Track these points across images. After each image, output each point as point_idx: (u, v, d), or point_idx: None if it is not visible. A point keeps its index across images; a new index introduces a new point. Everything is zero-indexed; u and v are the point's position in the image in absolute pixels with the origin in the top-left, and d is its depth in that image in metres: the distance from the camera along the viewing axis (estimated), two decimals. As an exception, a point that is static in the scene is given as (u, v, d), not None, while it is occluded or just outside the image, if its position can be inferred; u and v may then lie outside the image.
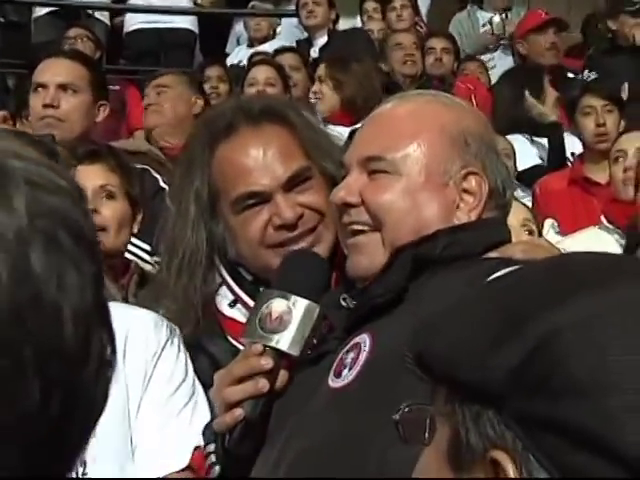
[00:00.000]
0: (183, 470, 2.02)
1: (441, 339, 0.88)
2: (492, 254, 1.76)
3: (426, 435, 0.93)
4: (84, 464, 1.95)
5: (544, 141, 5.81)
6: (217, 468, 1.81)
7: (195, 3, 8.66)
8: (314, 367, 1.77)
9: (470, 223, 1.79)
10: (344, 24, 8.01)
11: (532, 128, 5.91)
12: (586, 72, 6.47)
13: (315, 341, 1.81)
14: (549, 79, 6.31)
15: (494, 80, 7.61)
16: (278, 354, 1.79)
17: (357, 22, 8.10)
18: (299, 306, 1.81)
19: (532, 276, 0.89)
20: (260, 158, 2.12)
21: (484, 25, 8.27)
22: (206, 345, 2.16)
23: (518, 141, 5.47)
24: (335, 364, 1.71)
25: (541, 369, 0.80)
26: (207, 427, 1.87)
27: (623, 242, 3.81)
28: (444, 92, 7.29)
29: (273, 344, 1.79)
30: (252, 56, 7.48)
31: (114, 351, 0.80)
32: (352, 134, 4.98)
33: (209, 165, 2.17)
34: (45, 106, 3.72)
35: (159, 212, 3.39)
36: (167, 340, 2.14)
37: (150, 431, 2.08)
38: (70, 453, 0.76)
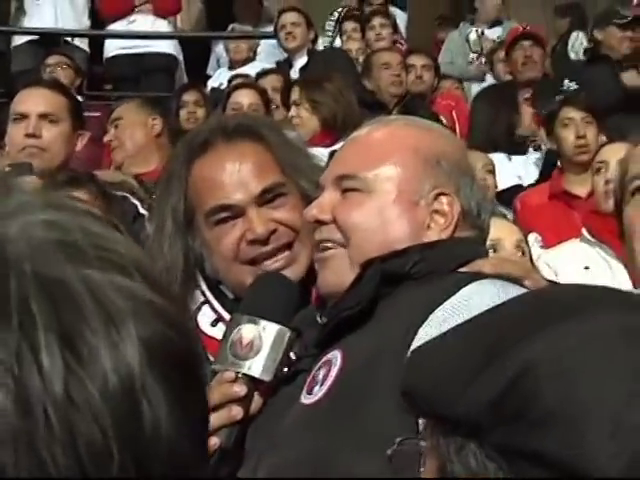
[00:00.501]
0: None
1: (423, 373, 0.89)
2: (462, 270, 1.76)
3: (420, 469, 0.94)
4: None
5: (521, 159, 5.84)
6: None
7: (175, 27, 8.69)
8: (288, 386, 1.78)
9: (442, 241, 1.79)
10: (323, 42, 8.04)
11: (509, 146, 5.94)
12: (566, 82, 6.49)
13: (288, 364, 1.80)
14: (527, 95, 6.33)
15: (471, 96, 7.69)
16: (251, 380, 1.78)
17: (336, 41, 8.13)
18: (269, 331, 1.80)
19: (510, 310, 0.91)
20: (234, 173, 2.12)
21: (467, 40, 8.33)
22: None
23: (496, 160, 5.50)
24: (308, 381, 1.72)
25: (517, 402, 0.81)
26: None
27: (605, 254, 3.81)
28: (424, 108, 7.32)
29: (245, 371, 1.79)
30: (232, 78, 7.50)
31: None
32: (332, 154, 5.00)
33: (186, 181, 2.17)
34: (27, 136, 3.72)
35: (138, 238, 3.42)
36: None
37: None
38: None
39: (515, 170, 5.84)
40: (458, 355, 0.87)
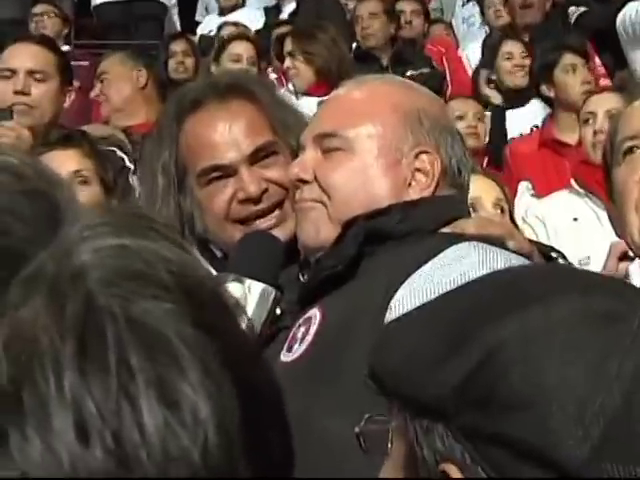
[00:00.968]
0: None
1: (390, 355, 0.90)
2: (445, 229, 1.77)
3: (388, 447, 0.94)
4: None
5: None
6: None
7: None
8: (271, 343, 1.78)
9: (425, 199, 1.80)
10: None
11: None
12: (572, 8, 6.42)
13: (273, 322, 1.81)
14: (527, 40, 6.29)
15: (469, 40, 7.62)
16: None
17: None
18: (254, 290, 1.81)
19: (478, 291, 0.91)
20: (226, 132, 2.12)
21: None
22: None
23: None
24: (288, 339, 1.73)
25: (484, 385, 0.81)
26: None
27: (593, 205, 3.82)
28: (415, 54, 7.24)
29: None
30: (222, 25, 7.45)
31: None
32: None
33: (177, 139, 2.17)
34: (16, 93, 3.70)
35: (125, 190, 3.43)
36: None
37: None
38: None
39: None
40: (425, 338, 0.87)
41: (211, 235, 2.17)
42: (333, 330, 1.66)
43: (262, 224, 2.09)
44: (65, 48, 7.01)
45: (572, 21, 6.57)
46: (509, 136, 5.64)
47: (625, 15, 5.82)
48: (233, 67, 5.81)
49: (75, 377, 0.58)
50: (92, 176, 3.10)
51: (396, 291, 1.61)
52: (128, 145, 4.32)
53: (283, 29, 6.72)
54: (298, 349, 1.70)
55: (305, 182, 1.86)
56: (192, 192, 2.15)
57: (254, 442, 0.63)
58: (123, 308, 0.60)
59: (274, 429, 0.67)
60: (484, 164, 5.24)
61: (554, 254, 1.86)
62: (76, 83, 6.37)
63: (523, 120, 5.72)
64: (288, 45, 5.68)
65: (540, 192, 4.57)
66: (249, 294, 1.81)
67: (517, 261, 1.66)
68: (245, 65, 5.82)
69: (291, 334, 1.73)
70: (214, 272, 2.15)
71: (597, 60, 6.01)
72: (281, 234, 2.05)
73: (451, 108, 5.11)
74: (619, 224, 2.02)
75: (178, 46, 6.78)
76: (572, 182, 4.02)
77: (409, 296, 1.57)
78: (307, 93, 5.57)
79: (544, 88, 5.26)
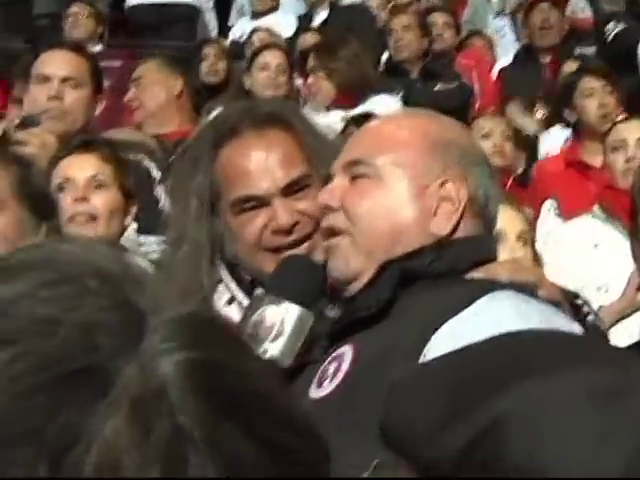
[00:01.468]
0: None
1: (397, 415, 0.93)
2: (478, 273, 1.78)
3: None
4: None
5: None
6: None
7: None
8: (299, 375, 1.80)
9: (457, 239, 1.82)
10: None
11: None
12: (611, 24, 6.35)
13: (305, 349, 1.83)
14: (548, 61, 6.31)
15: (501, 53, 7.63)
16: None
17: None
18: (292, 314, 1.83)
19: (487, 355, 0.94)
20: (261, 162, 2.16)
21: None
22: None
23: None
24: (318, 374, 1.75)
25: (485, 454, 0.84)
26: None
27: (615, 232, 3.83)
28: (444, 67, 7.26)
29: (261, 353, 1.80)
30: (254, 31, 7.50)
31: None
32: (348, 122, 5.07)
33: (212, 165, 2.21)
34: (50, 98, 3.75)
35: (149, 200, 3.48)
36: None
37: None
38: None
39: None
40: (431, 401, 0.89)
41: (241, 261, 2.20)
42: (364, 371, 1.67)
43: (291, 253, 2.12)
44: (98, 48, 7.09)
45: (610, 38, 6.53)
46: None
47: None
48: (261, 75, 5.87)
49: None
50: (110, 181, 3.11)
51: (430, 338, 1.62)
52: (159, 152, 4.37)
53: (310, 39, 6.79)
54: (328, 386, 1.71)
55: (332, 209, 1.88)
56: (224, 217, 2.19)
57: None
58: (204, 431, 0.61)
59: None
60: (508, 184, 5.27)
61: (579, 301, 1.88)
62: (108, 83, 6.47)
63: (552, 141, 5.76)
64: (310, 62, 5.75)
65: (565, 211, 4.59)
66: (287, 317, 1.83)
67: (548, 311, 1.68)
68: (273, 74, 5.87)
69: (321, 369, 1.74)
70: (240, 294, 2.21)
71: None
72: None
73: (477, 126, 5.14)
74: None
75: (211, 49, 6.85)
76: (595, 207, 4.04)
77: (443, 344, 1.58)
78: (330, 106, 5.64)
79: (567, 112, 5.32)
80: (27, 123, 3.54)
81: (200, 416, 0.62)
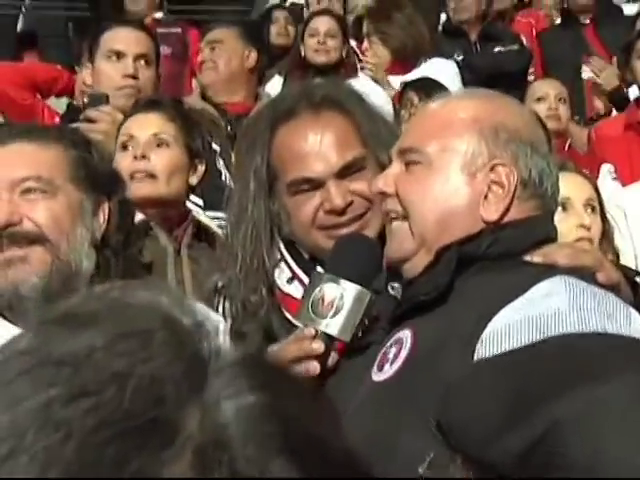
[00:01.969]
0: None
1: (458, 415, 0.98)
2: (536, 257, 1.81)
3: None
4: None
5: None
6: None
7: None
8: (361, 356, 1.86)
9: (514, 221, 1.86)
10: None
11: None
12: None
13: (365, 326, 1.89)
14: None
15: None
16: (329, 338, 1.89)
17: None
18: (350, 292, 1.90)
19: (542, 359, 0.98)
20: (317, 144, 2.23)
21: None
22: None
23: None
24: (379, 357, 1.80)
25: (545, 455, 0.89)
26: None
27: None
28: (504, 29, 7.21)
29: (323, 328, 1.89)
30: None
31: None
32: (405, 87, 5.08)
33: (269, 146, 2.29)
34: (125, 76, 3.81)
35: (212, 174, 3.53)
36: None
37: None
38: None
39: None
40: (492, 403, 0.94)
41: (297, 239, 2.30)
42: (423, 357, 1.71)
43: (345, 231, 2.21)
44: (159, 15, 7.15)
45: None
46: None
47: None
48: (311, 41, 5.90)
49: None
50: (173, 140, 3.11)
51: (487, 323, 1.64)
52: (219, 120, 4.44)
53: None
54: (389, 370, 1.75)
55: (387, 195, 1.94)
56: (281, 197, 2.28)
57: None
58: (262, 475, 0.64)
59: None
60: (566, 147, 5.26)
61: (639, 279, 1.90)
62: (168, 50, 6.55)
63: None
64: (365, 27, 5.78)
65: (622, 175, 4.57)
66: (345, 295, 1.90)
67: (605, 298, 1.68)
68: (322, 39, 5.91)
69: (382, 352, 1.80)
70: (300, 272, 2.29)
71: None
72: None
73: (532, 90, 5.12)
74: None
75: (281, 14, 7.05)
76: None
77: (501, 330, 1.60)
78: (385, 72, 5.69)
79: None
80: (94, 100, 3.61)
81: (259, 461, 0.64)
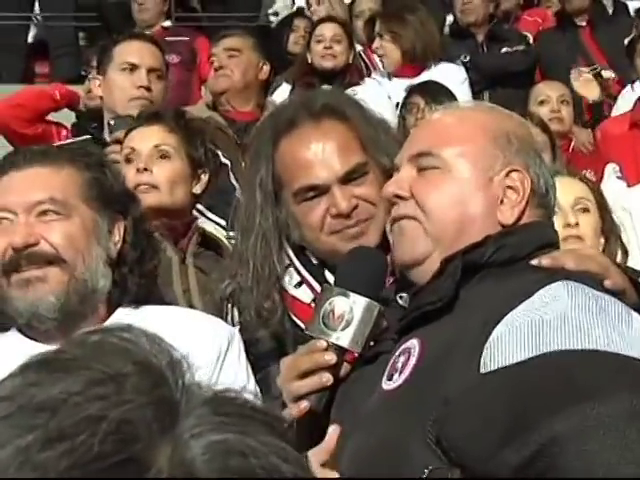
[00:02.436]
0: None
1: (456, 430, 1.03)
2: (544, 260, 1.83)
3: None
4: None
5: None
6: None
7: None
8: (372, 365, 1.90)
9: (518, 226, 1.90)
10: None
11: None
12: None
13: (376, 336, 1.94)
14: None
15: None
16: (341, 349, 1.94)
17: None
18: (359, 305, 1.95)
19: (540, 376, 1.03)
20: (319, 152, 2.31)
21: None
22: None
23: None
24: (389, 367, 1.83)
25: (539, 472, 0.93)
26: None
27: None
28: (510, 30, 7.23)
29: (334, 340, 1.94)
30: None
31: None
32: (410, 89, 5.13)
33: (273, 157, 2.36)
34: (139, 87, 3.88)
35: (223, 187, 3.58)
36: (228, 346, 2.27)
37: None
38: None
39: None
40: (489, 420, 0.99)
41: (308, 245, 2.37)
42: (430, 364, 1.74)
43: (352, 231, 2.29)
44: (167, 24, 7.22)
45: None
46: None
47: None
48: (318, 47, 5.98)
49: None
50: (174, 152, 3.15)
51: (493, 329, 1.66)
52: (227, 129, 4.51)
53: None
54: (397, 379, 1.79)
55: (402, 198, 1.96)
56: (288, 206, 2.35)
57: None
58: None
59: None
60: (570, 149, 5.29)
61: None
62: (176, 58, 6.61)
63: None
64: (377, 26, 5.86)
65: (628, 173, 4.60)
66: (355, 308, 1.94)
67: (609, 304, 1.70)
68: (328, 44, 5.97)
69: (391, 362, 1.83)
70: (309, 276, 2.36)
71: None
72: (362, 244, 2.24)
73: (534, 93, 5.15)
74: None
75: (301, 22, 7.15)
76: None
77: (506, 335, 1.63)
78: (395, 74, 5.75)
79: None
80: (120, 123, 3.60)
81: None
